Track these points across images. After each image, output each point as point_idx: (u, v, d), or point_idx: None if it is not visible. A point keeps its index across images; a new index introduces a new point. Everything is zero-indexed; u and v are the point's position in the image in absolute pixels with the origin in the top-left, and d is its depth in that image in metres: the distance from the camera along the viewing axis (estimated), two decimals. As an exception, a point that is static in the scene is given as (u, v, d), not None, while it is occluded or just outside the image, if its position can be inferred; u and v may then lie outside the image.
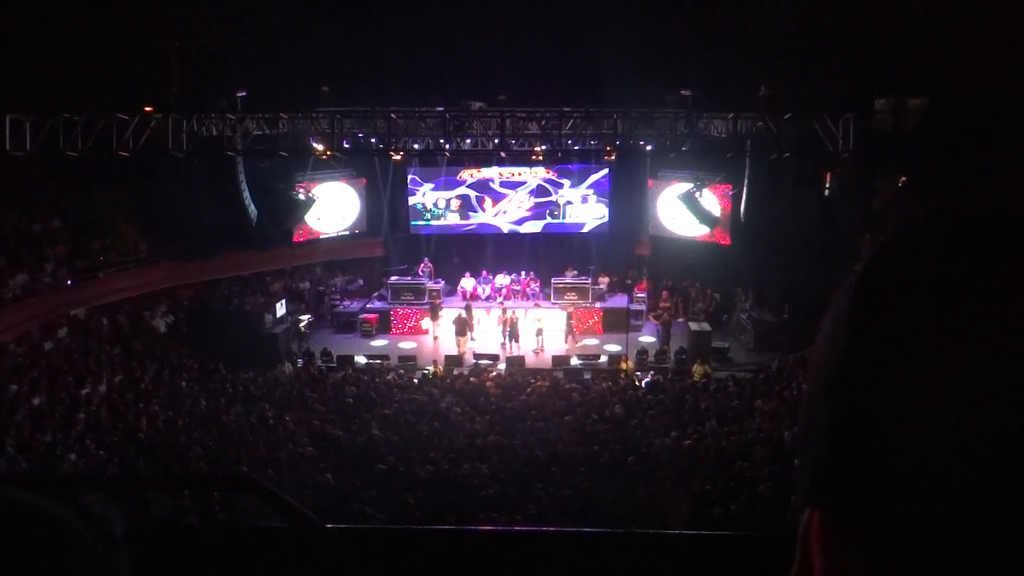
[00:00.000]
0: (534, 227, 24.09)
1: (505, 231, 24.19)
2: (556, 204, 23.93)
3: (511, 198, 23.95)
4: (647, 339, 20.88)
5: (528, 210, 23.99)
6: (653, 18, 21.27)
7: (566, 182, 23.69)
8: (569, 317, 21.18)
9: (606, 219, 23.89)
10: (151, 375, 16.56)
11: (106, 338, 18.44)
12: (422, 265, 23.36)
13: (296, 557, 1.88)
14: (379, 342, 21.36)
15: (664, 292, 22.73)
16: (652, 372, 18.50)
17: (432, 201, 24.02)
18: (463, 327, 20.30)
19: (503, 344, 20.49)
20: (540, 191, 23.90)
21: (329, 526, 2.00)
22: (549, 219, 24.01)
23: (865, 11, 19.47)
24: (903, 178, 20.96)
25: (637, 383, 17.55)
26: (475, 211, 24.03)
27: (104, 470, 11.92)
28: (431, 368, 18.39)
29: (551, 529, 2.41)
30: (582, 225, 24.00)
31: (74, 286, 18.36)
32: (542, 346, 20.57)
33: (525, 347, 20.42)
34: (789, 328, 20.04)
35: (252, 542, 2.15)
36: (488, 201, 24.00)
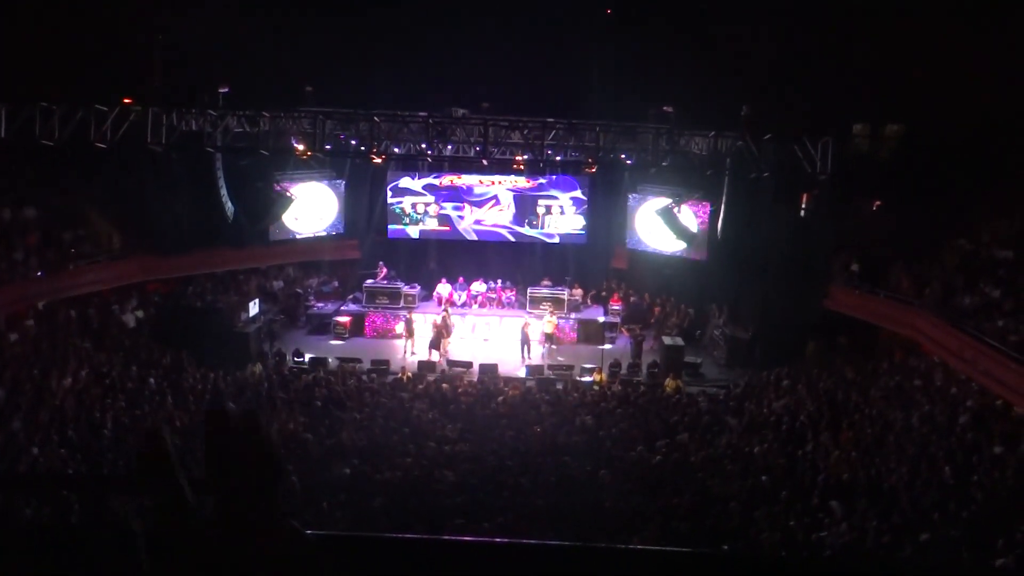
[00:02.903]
0: (512, 235, 24.11)
1: (482, 238, 24.17)
2: (535, 214, 23.99)
3: (490, 206, 23.96)
4: (618, 351, 20.95)
5: (507, 218, 24.02)
6: (638, 34, 21.45)
7: (550, 192, 23.79)
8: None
9: (583, 231, 24.00)
10: (118, 370, 16.30)
11: (74, 331, 18.14)
12: (383, 273, 23.13)
13: (274, 563, 1.84)
14: (352, 345, 21.20)
15: (655, 308, 22.86)
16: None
17: (411, 206, 23.96)
18: (439, 336, 20.08)
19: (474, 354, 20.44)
20: (519, 200, 23.95)
21: (308, 532, 1.97)
22: (527, 228, 24.05)
23: (846, 38, 19.77)
24: (878, 202, 21.26)
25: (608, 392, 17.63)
26: (453, 217, 24.02)
27: (67, 465, 11.72)
28: (400, 373, 18.25)
29: (530, 542, 2.38)
30: (560, 235, 24.06)
31: (43, 277, 18.04)
32: (551, 352, 20.61)
33: (534, 354, 20.41)
34: (759, 345, 20.22)
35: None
36: (467, 208, 24.01)
